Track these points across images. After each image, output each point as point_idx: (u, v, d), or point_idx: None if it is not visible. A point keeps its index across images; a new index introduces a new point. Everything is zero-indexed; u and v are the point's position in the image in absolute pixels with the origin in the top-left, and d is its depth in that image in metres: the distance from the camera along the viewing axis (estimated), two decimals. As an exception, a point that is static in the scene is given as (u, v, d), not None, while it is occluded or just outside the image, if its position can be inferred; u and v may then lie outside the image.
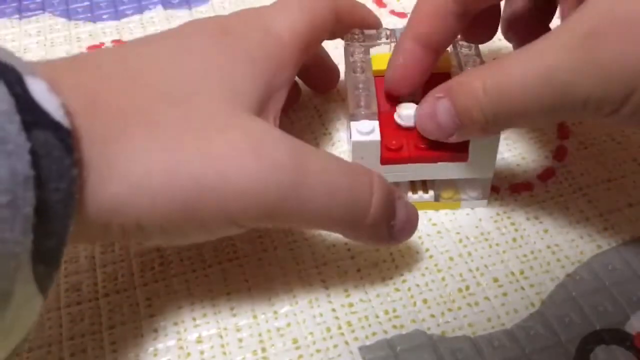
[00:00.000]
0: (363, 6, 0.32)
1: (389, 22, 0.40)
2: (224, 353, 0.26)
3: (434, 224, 0.29)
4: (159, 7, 0.43)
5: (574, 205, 0.30)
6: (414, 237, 0.29)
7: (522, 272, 0.27)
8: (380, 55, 0.30)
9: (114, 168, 0.20)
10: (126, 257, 0.29)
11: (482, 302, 0.27)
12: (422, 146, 0.27)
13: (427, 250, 0.29)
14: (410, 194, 0.30)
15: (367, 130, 0.27)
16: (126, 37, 0.41)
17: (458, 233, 0.29)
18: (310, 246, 0.29)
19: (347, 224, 0.24)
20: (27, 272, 0.18)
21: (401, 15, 0.41)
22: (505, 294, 0.27)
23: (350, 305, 0.27)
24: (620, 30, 0.20)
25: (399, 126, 0.28)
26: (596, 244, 0.28)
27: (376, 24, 0.32)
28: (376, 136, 0.27)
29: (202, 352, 0.26)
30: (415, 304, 0.27)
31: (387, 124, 0.28)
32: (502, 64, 0.23)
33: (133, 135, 0.21)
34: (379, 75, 0.29)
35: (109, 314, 0.27)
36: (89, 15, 0.42)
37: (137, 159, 0.21)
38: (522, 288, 0.27)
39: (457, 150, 0.27)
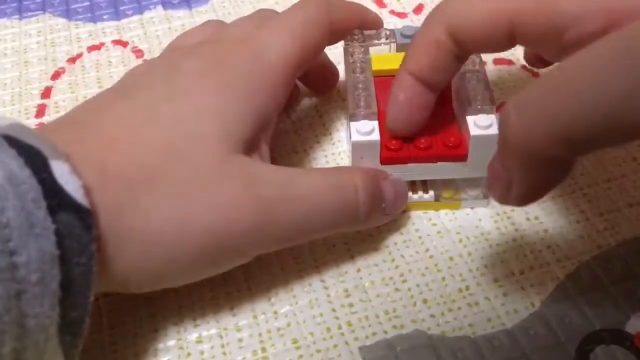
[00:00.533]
0: (360, 8, 0.32)
1: (389, 22, 0.40)
2: (224, 353, 0.26)
3: (434, 224, 0.29)
4: (159, 7, 0.43)
5: (574, 205, 0.30)
6: (414, 237, 0.29)
7: (522, 272, 0.27)
8: (380, 55, 0.30)
9: (128, 238, 0.22)
10: (126, 257, 0.29)
11: (482, 302, 0.27)
12: (422, 146, 0.27)
13: (427, 250, 0.29)
14: (410, 194, 0.29)
15: (367, 130, 0.27)
16: (126, 37, 0.41)
17: (458, 233, 0.29)
18: (310, 246, 0.29)
19: (343, 226, 0.27)
20: (55, 343, 0.20)
21: (401, 15, 0.41)
22: (505, 294, 0.27)
23: (350, 305, 0.27)
24: None
25: None
26: (596, 244, 0.28)
27: (376, 23, 0.32)
28: (376, 136, 0.27)
29: (202, 352, 0.26)
30: (415, 304, 0.27)
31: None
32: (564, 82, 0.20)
33: (143, 199, 0.23)
34: (378, 75, 0.29)
35: (109, 314, 0.27)
36: (89, 15, 0.42)
37: (150, 220, 0.22)
38: (522, 288, 0.27)
39: (456, 150, 0.27)
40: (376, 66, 0.30)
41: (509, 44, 0.24)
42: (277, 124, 0.34)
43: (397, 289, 0.27)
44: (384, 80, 0.29)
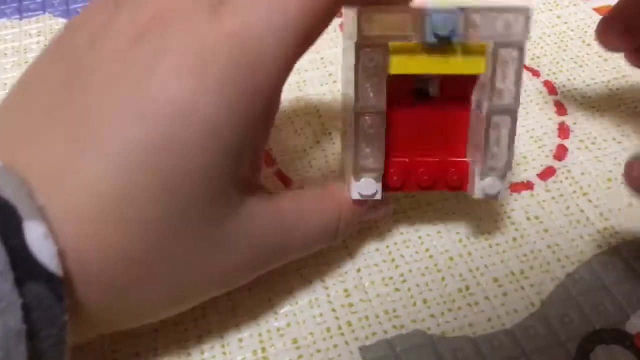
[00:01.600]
0: None
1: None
2: (224, 353, 0.26)
3: (434, 224, 0.29)
4: (159, 8, 0.43)
5: (575, 205, 0.30)
6: (414, 237, 0.29)
7: (522, 272, 0.27)
8: (401, 57, 0.23)
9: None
10: (126, 258, 0.29)
11: (483, 302, 0.27)
12: (424, 185, 0.26)
13: (427, 250, 0.28)
14: None
15: (369, 193, 0.25)
16: (126, 37, 0.41)
17: (458, 233, 0.29)
18: (310, 246, 0.29)
19: (318, 248, 0.26)
20: None
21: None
22: (505, 294, 0.27)
23: (351, 305, 0.27)
24: None
25: (405, 135, 0.25)
26: (597, 244, 0.28)
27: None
28: (378, 197, 0.25)
29: (202, 352, 0.26)
30: (415, 304, 0.27)
31: (393, 132, 0.25)
32: None
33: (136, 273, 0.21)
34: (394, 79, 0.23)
35: (109, 314, 0.27)
36: (89, 15, 0.42)
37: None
38: (523, 288, 0.27)
39: (458, 189, 0.26)
40: (395, 69, 0.23)
41: None
42: (277, 124, 0.34)
43: (397, 289, 0.27)
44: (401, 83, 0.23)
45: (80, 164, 0.19)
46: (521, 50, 0.23)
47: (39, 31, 0.42)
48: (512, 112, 0.24)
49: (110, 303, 0.21)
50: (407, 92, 0.25)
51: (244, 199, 0.22)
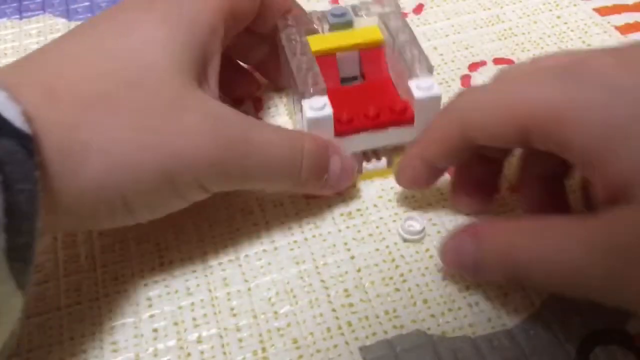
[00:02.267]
0: None
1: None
2: (224, 353, 0.26)
3: (435, 224, 0.29)
4: (159, 7, 0.43)
5: (575, 205, 0.30)
6: (414, 237, 0.29)
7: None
8: (315, 36, 0.32)
9: (89, 150, 0.23)
10: (126, 258, 0.29)
11: (482, 302, 0.27)
12: (371, 115, 0.29)
13: (427, 250, 0.29)
14: (365, 164, 0.31)
15: (319, 105, 0.28)
16: (126, 37, 0.41)
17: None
18: (310, 246, 0.29)
19: (282, 182, 0.28)
20: (4, 270, 0.20)
21: (402, 15, 0.41)
22: (505, 294, 0.27)
23: (351, 305, 0.27)
24: None
25: (345, 99, 0.30)
26: (596, 244, 0.28)
27: (300, 10, 0.33)
28: (328, 110, 0.28)
29: (202, 352, 0.26)
30: (415, 304, 0.27)
31: (334, 100, 0.29)
32: (531, 236, 0.23)
33: (102, 119, 0.23)
34: (317, 56, 0.31)
35: (109, 314, 0.27)
36: (89, 15, 0.42)
37: (110, 138, 0.23)
38: (522, 288, 0.27)
39: (404, 114, 0.29)
40: (314, 47, 0.31)
41: (524, 145, 0.24)
42: (277, 124, 0.34)
43: (397, 289, 0.27)
44: (323, 59, 0.31)
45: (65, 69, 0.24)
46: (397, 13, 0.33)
47: (39, 31, 0.42)
48: (407, 29, 0.31)
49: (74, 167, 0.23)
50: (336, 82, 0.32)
51: (203, 89, 0.26)
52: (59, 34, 0.41)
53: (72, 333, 0.26)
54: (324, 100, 0.29)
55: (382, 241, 0.29)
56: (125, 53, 0.25)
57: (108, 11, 0.27)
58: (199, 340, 0.26)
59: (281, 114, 0.35)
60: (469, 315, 0.26)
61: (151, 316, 0.27)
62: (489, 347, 0.25)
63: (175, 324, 0.27)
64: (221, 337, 0.26)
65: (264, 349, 0.26)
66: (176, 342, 0.26)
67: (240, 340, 0.26)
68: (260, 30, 0.32)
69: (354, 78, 0.33)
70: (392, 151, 0.31)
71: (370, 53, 0.32)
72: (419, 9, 0.42)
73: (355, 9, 0.33)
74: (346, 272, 0.28)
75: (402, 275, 0.28)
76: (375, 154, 0.32)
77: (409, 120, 0.30)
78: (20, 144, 0.20)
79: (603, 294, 0.21)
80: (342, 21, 0.33)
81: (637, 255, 0.20)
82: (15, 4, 0.44)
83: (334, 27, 0.33)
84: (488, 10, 0.41)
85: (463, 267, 0.25)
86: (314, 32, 0.33)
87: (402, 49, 0.30)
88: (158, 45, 0.25)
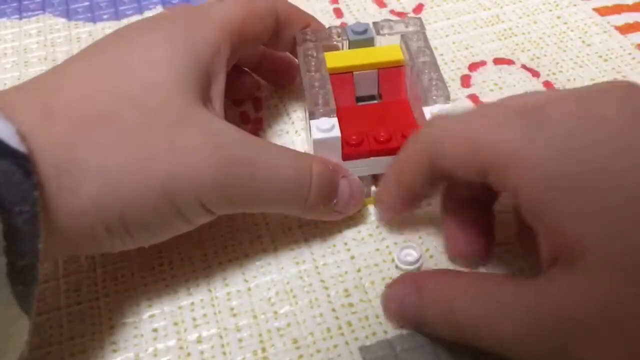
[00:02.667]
0: (305, 12, 0.32)
1: (389, 22, 0.40)
2: (224, 353, 0.26)
3: (435, 225, 0.29)
4: (159, 7, 0.43)
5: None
6: (414, 237, 0.29)
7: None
8: (333, 53, 0.31)
9: (86, 169, 0.22)
10: (126, 258, 0.29)
11: (482, 302, 0.27)
12: (382, 139, 0.28)
13: (427, 250, 0.28)
14: (373, 188, 0.30)
15: (327, 127, 0.27)
16: (126, 37, 0.41)
17: (458, 233, 0.29)
18: (310, 246, 0.29)
19: (289, 207, 0.27)
20: (7, 293, 0.19)
21: (401, 14, 0.41)
22: (505, 294, 0.27)
23: (350, 305, 0.27)
24: (589, 330, 0.19)
25: (358, 120, 0.29)
26: (596, 244, 0.28)
27: (319, 25, 0.33)
28: (336, 133, 0.27)
29: (202, 352, 0.26)
30: (415, 304, 0.27)
31: (346, 120, 0.28)
32: (473, 300, 0.22)
33: (99, 137, 0.22)
34: (333, 73, 0.30)
35: (109, 314, 0.27)
36: (89, 15, 0.42)
37: (109, 156, 0.22)
38: (522, 288, 0.27)
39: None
40: (330, 64, 0.30)
41: (484, 182, 0.23)
42: (278, 124, 0.34)
43: (397, 289, 0.27)
44: (340, 77, 0.30)
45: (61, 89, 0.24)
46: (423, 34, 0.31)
47: (39, 31, 0.42)
48: (429, 52, 0.30)
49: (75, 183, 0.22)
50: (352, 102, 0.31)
51: (207, 108, 0.25)
52: (58, 34, 0.41)
53: (72, 333, 0.26)
54: (332, 121, 0.28)
55: (382, 241, 0.29)
56: (127, 71, 0.24)
57: (113, 33, 0.27)
58: (199, 340, 0.26)
59: (281, 114, 0.35)
60: (469, 315, 0.26)
61: (151, 316, 0.27)
62: (489, 347, 0.25)
63: (175, 324, 0.27)
64: (221, 337, 0.26)
65: (264, 349, 0.26)
66: (176, 342, 0.26)
67: (240, 340, 0.26)
68: (279, 49, 0.32)
69: (371, 97, 0.32)
70: None
71: (389, 73, 0.31)
72: (418, 8, 0.42)
73: (377, 26, 0.32)
74: (346, 272, 0.28)
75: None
76: None
77: None
78: (16, 164, 0.20)
79: None
80: (362, 38, 0.32)
81: (588, 328, 0.19)
82: (15, 4, 0.44)
83: (353, 44, 0.32)
84: (488, 10, 0.41)
85: (406, 319, 0.25)
86: (334, 48, 0.32)
87: (420, 73, 0.29)
88: (161, 64, 0.25)
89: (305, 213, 0.27)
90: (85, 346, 0.26)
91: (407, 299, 0.25)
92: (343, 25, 0.33)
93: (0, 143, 0.20)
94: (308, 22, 0.32)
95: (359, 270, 0.28)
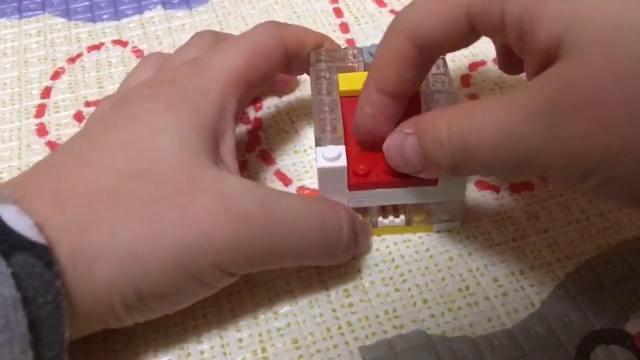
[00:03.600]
0: (317, 33, 0.31)
1: (389, 21, 0.40)
2: (224, 353, 0.26)
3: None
4: (159, 7, 0.43)
5: (575, 205, 0.30)
6: (414, 237, 0.29)
7: (522, 272, 0.27)
8: (347, 75, 0.29)
9: (97, 252, 0.22)
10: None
11: (482, 302, 0.27)
12: (391, 171, 0.26)
13: (427, 250, 0.28)
14: (381, 218, 0.29)
15: (333, 156, 0.26)
16: (126, 37, 0.41)
17: (458, 233, 0.29)
18: (310, 246, 0.29)
19: (323, 259, 0.27)
20: None
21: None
22: (505, 294, 0.27)
23: (350, 305, 0.27)
24: (583, 109, 0.19)
25: (368, 146, 0.27)
26: (596, 244, 0.28)
27: (333, 45, 0.32)
28: (342, 162, 0.26)
29: (202, 352, 0.26)
30: (415, 304, 0.27)
31: (355, 147, 0.27)
32: (469, 115, 0.22)
33: (107, 218, 0.22)
34: (345, 96, 0.29)
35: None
36: (88, 15, 0.42)
37: (117, 237, 0.22)
38: (522, 288, 0.27)
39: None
40: (343, 87, 0.29)
41: (473, 37, 0.24)
42: (278, 124, 0.34)
43: (397, 289, 0.27)
44: (352, 101, 0.28)
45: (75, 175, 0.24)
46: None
47: (39, 30, 0.41)
48: (446, 78, 0.29)
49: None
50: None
51: (219, 167, 0.25)
52: (58, 34, 0.41)
53: (72, 333, 0.26)
54: (339, 149, 0.26)
55: (382, 241, 0.29)
56: (132, 145, 0.24)
57: (116, 104, 0.27)
58: (199, 341, 0.26)
59: (281, 114, 0.35)
60: (468, 315, 0.26)
61: (151, 316, 0.27)
62: (489, 347, 0.25)
63: (175, 324, 0.27)
64: (221, 337, 0.26)
65: (263, 349, 0.26)
66: (176, 342, 0.26)
67: (240, 340, 0.26)
68: (294, 74, 0.32)
69: None
70: (412, 208, 0.28)
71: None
72: (418, 8, 0.42)
73: None
74: (346, 273, 0.28)
75: (402, 275, 0.28)
76: (394, 209, 0.29)
77: (432, 182, 0.26)
78: (36, 256, 0.20)
79: (546, 160, 0.20)
80: None
81: (572, 104, 0.19)
82: (14, 4, 0.44)
83: (369, 67, 0.28)
84: (488, 9, 0.41)
85: (408, 163, 0.25)
86: (349, 69, 0.30)
87: (435, 101, 0.27)
88: (165, 133, 0.24)
89: (334, 261, 0.27)
90: (85, 347, 0.26)
91: (406, 144, 0.24)
92: (351, 43, 0.32)
93: (19, 237, 0.20)
94: (321, 43, 0.31)
95: (359, 271, 0.28)
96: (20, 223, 0.20)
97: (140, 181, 0.23)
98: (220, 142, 0.26)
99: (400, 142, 0.25)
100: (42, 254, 0.20)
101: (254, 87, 0.28)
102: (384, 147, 0.26)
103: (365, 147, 0.27)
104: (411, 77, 0.25)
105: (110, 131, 0.25)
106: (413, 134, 0.24)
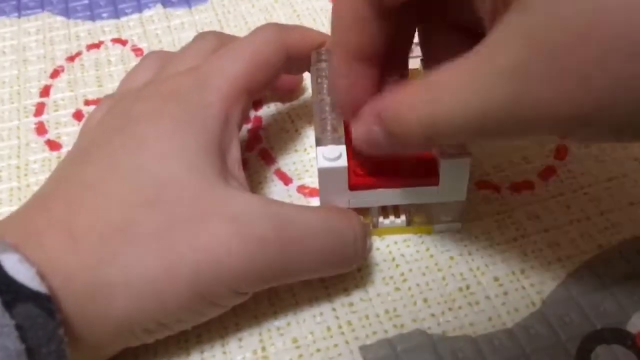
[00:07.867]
0: (318, 33, 0.31)
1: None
2: (224, 353, 0.26)
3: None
4: (159, 6, 0.42)
5: (575, 204, 0.30)
6: (414, 236, 0.29)
7: (522, 271, 0.27)
8: None
9: (113, 288, 0.22)
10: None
11: (483, 301, 0.27)
12: (392, 171, 0.26)
13: (428, 249, 0.28)
14: (381, 219, 0.28)
15: (334, 156, 0.26)
16: (125, 35, 0.40)
17: (458, 232, 0.29)
18: (310, 245, 0.29)
19: (337, 270, 0.27)
20: None
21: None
22: (506, 293, 0.27)
23: (351, 304, 0.27)
24: (551, 71, 0.17)
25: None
26: (597, 243, 0.28)
27: None
28: (343, 162, 0.26)
29: (202, 352, 0.26)
30: (415, 303, 0.27)
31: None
32: (439, 101, 0.20)
33: (119, 253, 0.22)
34: None
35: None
36: (88, 13, 0.42)
37: (130, 271, 0.22)
38: (523, 287, 0.27)
39: (427, 175, 0.26)
40: None
41: None
42: (278, 123, 0.34)
43: (397, 288, 0.27)
44: None
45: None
46: None
47: (38, 29, 0.41)
48: None
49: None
50: None
51: (228, 183, 0.25)
52: (57, 32, 0.41)
53: None
54: (340, 149, 0.26)
55: (382, 241, 0.29)
56: (140, 173, 0.24)
57: (120, 121, 0.26)
58: (199, 341, 0.26)
59: (281, 113, 0.35)
60: (469, 314, 0.26)
61: (151, 315, 0.27)
62: (489, 346, 0.25)
63: (175, 323, 0.26)
64: (221, 336, 0.26)
65: (263, 349, 0.26)
66: (177, 342, 0.26)
67: (240, 339, 0.26)
68: (295, 74, 0.32)
69: None
70: (413, 208, 0.28)
71: None
72: (419, 7, 0.42)
73: None
74: (346, 272, 0.28)
75: (402, 274, 0.28)
76: (395, 209, 0.29)
77: (433, 182, 0.26)
78: (39, 306, 0.20)
79: (515, 126, 0.18)
80: None
81: (539, 67, 0.17)
82: (14, 2, 0.43)
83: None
84: (488, 8, 0.41)
85: (381, 149, 0.23)
86: None
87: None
88: (172, 159, 0.24)
89: (347, 270, 0.27)
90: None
91: (375, 135, 0.23)
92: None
93: (21, 287, 0.20)
94: (322, 43, 0.30)
95: (359, 270, 0.28)
96: (22, 272, 0.20)
97: (149, 211, 0.23)
98: (227, 155, 0.26)
99: (368, 136, 0.23)
100: (45, 303, 0.20)
101: (255, 94, 0.28)
102: (353, 140, 0.25)
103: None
104: (377, 33, 0.23)
105: (116, 155, 0.24)
106: (379, 125, 0.23)
